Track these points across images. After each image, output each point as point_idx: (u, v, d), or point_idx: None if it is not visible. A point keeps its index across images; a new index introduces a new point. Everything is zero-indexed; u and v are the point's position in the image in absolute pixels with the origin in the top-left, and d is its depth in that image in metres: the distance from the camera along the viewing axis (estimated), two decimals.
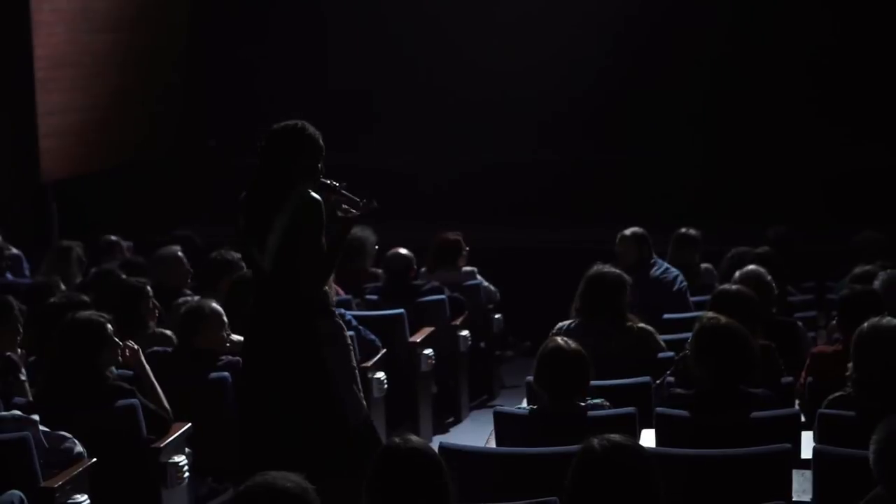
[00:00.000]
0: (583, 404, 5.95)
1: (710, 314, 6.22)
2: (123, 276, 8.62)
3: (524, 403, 6.71)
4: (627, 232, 9.48)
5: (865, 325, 5.82)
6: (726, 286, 7.38)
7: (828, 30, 14.05)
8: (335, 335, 6.69)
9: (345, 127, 14.41)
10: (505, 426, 6.10)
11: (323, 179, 6.67)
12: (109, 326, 6.45)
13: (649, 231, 9.55)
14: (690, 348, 6.06)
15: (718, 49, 14.19)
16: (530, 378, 6.22)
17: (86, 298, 7.46)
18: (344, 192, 6.71)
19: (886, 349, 5.70)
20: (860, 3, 14.08)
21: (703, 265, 10.11)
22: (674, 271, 9.34)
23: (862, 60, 14.08)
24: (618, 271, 7.56)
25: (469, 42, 14.52)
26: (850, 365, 5.85)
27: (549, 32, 14.41)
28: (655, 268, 9.31)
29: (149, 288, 7.86)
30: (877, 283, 7.43)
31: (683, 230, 10.05)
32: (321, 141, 6.65)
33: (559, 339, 6.10)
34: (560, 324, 7.41)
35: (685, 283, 9.28)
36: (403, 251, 9.87)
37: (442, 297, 9.83)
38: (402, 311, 9.16)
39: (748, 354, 5.93)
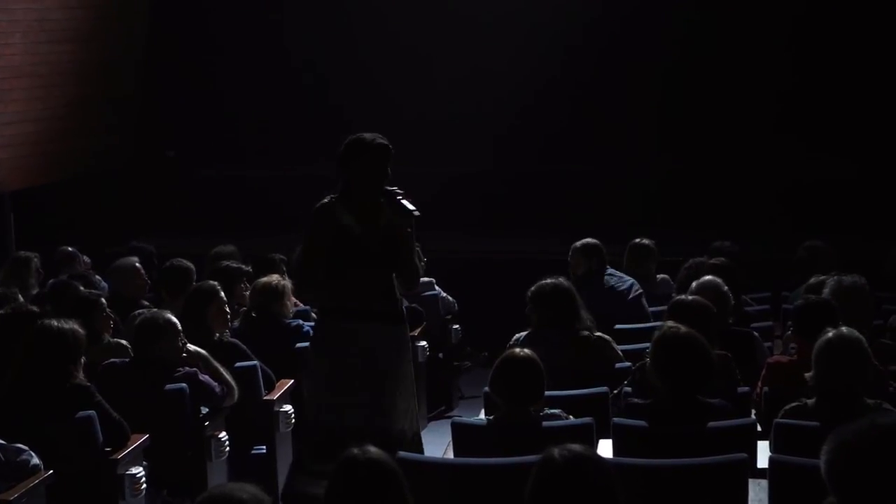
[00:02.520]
0: (541, 414, 5.98)
1: (670, 323, 6.24)
2: (80, 288, 8.60)
3: (482, 414, 6.73)
4: (578, 244, 9.50)
5: (829, 335, 5.83)
6: (683, 296, 7.40)
7: (782, 43, 14.17)
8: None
9: (304, 138, 14.40)
10: (463, 437, 6.10)
11: (388, 187, 6.89)
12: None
13: (605, 242, 9.56)
14: (650, 357, 6.07)
15: (671, 61, 14.28)
16: (488, 388, 6.23)
17: (35, 309, 7.41)
18: (399, 199, 6.86)
19: (848, 359, 5.74)
20: (816, 18, 14.17)
21: (660, 276, 10.13)
22: (628, 280, 9.34)
23: (820, 75, 14.20)
24: (565, 282, 7.58)
25: (421, 55, 14.55)
26: (808, 375, 5.88)
27: (498, 46, 14.45)
28: (608, 277, 9.32)
29: (103, 300, 7.87)
30: (826, 292, 7.47)
31: (638, 240, 10.08)
32: (384, 150, 6.88)
33: (515, 348, 6.15)
34: (517, 335, 7.43)
35: (640, 291, 9.28)
36: None
37: None
38: None
39: (707, 364, 5.95)
